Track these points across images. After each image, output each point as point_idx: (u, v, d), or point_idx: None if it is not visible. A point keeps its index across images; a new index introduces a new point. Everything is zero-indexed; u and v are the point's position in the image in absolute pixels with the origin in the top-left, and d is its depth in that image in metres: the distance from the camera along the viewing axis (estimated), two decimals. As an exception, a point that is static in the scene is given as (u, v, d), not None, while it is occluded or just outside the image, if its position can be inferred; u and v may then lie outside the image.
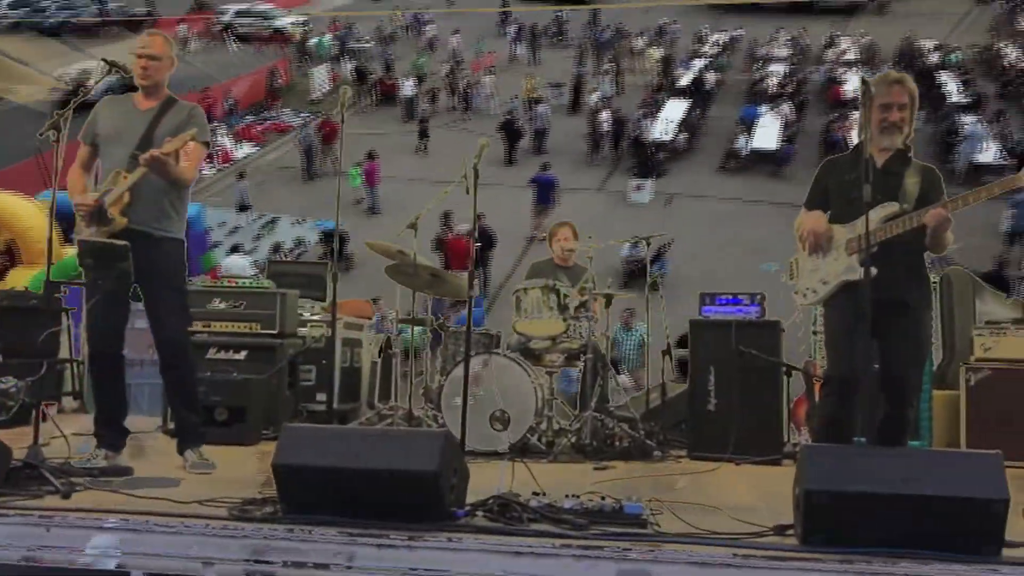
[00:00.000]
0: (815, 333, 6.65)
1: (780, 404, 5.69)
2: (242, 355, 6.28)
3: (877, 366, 3.97)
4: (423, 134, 26.14)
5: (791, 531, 3.33)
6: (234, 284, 6.51)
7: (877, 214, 3.90)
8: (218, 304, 6.36)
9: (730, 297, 6.01)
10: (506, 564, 3.15)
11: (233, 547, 3.29)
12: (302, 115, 29.56)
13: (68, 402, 7.43)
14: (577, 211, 5.95)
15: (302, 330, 6.82)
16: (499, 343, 6.26)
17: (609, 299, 6.28)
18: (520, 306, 5.89)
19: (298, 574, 3.24)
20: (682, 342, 6.76)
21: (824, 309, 4.38)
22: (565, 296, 5.86)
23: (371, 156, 22.19)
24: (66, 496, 3.71)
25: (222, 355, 6.29)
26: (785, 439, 5.80)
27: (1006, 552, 3.08)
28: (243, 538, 3.30)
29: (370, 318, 8.22)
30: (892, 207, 4.00)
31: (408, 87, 29.81)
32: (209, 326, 6.38)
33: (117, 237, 4.42)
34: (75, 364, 7.58)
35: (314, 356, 6.78)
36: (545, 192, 20.14)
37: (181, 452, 4.73)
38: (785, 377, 5.74)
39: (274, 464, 3.37)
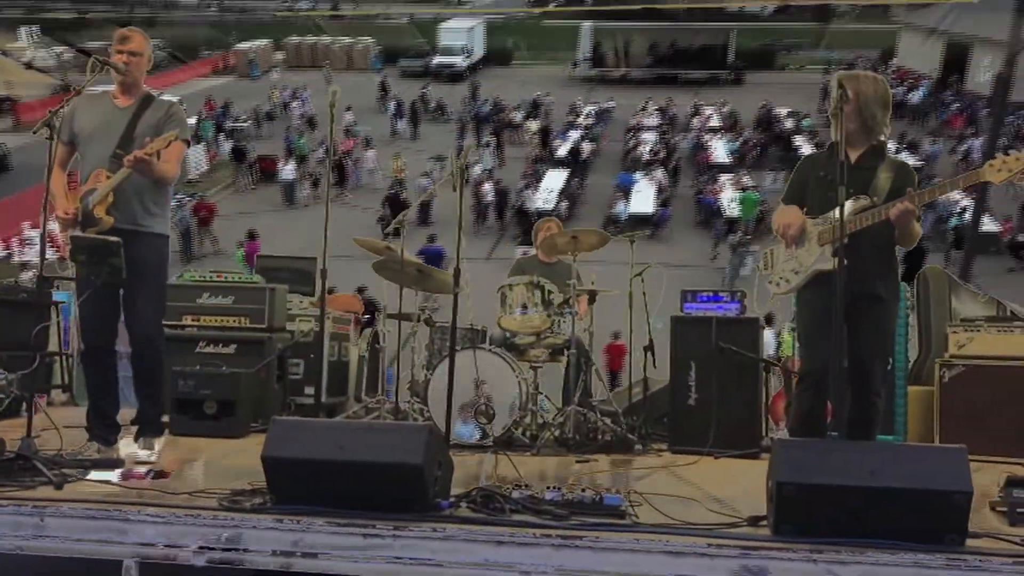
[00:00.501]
0: (793, 330, 6.76)
1: (759, 399, 5.79)
2: (231, 349, 6.36)
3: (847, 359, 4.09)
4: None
5: (764, 522, 3.45)
6: (223, 279, 6.58)
7: (849, 207, 4.03)
8: (208, 299, 6.44)
9: (711, 295, 6.13)
10: (488, 553, 3.26)
11: (224, 536, 3.40)
12: (178, 197, 29.40)
13: (57, 395, 7.50)
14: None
15: (290, 325, 6.91)
16: (484, 338, 6.36)
17: (593, 296, 6.38)
18: (505, 302, 5.99)
19: (287, 562, 3.35)
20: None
21: (798, 303, 4.50)
22: (549, 292, 5.97)
23: (252, 236, 21.78)
24: (59, 487, 3.80)
25: (211, 349, 6.37)
26: (763, 433, 5.92)
27: (969, 542, 3.22)
28: (233, 527, 3.40)
29: (358, 313, 8.30)
30: (863, 201, 4.14)
31: (288, 171, 29.81)
32: (199, 320, 6.46)
33: (107, 234, 4.49)
34: (64, 357, 7.67)
35: (302, 350, 6.88)
36: (433, 263, 20.34)
37: (136, 439, 4.81)
38: (764, 373, 5.86)
39: (263, 456, 3.47)
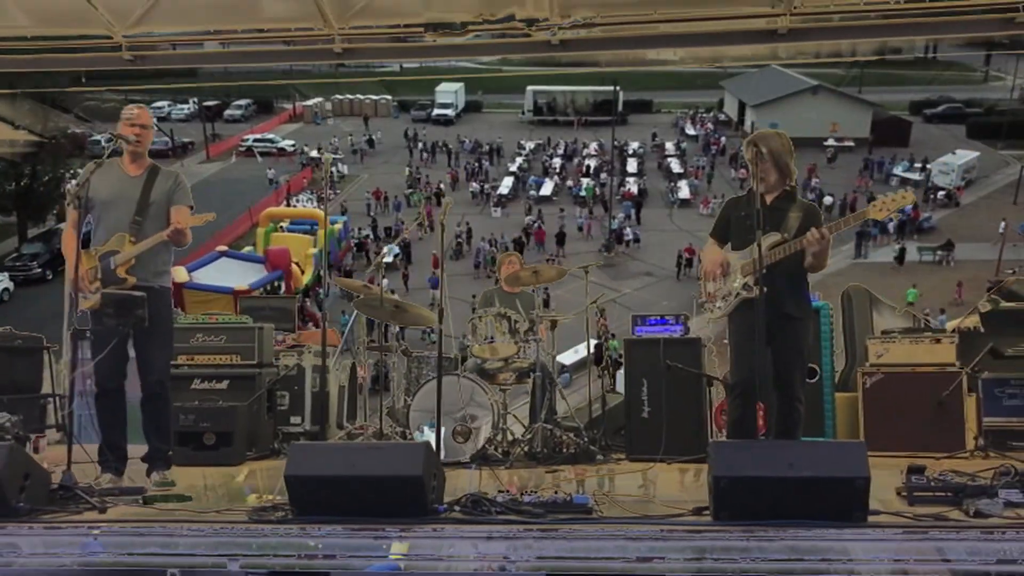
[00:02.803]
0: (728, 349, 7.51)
1: (704, 410, 6.50)
2: (224, 384, 6.93)
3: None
4: None
5: (706, 511, 4.15)
6: (215, 321, 7.15)
7: (765, 242, 4.79)
8: (201, 339, 6.99)
9: (658, 318, 6.87)
10: (480, 547, 3.90)
11: (254, 545, 4.00)
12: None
13: (51, 434, 7.96)
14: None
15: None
16: (458, 365, 7.01)
17: (554, 323, 7.07)
18: (476, 331, 6.65)
19: (309, 564, 3.96)
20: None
21: (728, 326, 5.24)
22: (515, 321, 6.64)
23: None
24: (103, 511, 4.36)
25: (205, 385, 6.93)
26: (709, 440, 6.63)
27: (871, 519, 3.95)
28: (262, 537, 4.00)
29: (336, 345, 8.89)
30: (775, 236, 4.90)
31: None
32: (193, 359, 7.01)
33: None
34: (57, 399, 8.15)
35: (287, 383, 7.46)
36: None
37: (148, 474, 5.38)
38: (707, 387, 6.58)
39: (286, 475, 4.08)
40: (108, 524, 4.10)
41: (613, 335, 11.94)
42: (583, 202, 44.28)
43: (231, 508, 4.40)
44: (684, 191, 46.05)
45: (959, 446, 6.22)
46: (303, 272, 28.55)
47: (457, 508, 4.19)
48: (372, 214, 42.52)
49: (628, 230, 40.36)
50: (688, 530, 3.90)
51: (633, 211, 43.02)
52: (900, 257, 36.38)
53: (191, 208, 5.31)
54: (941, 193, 44.21)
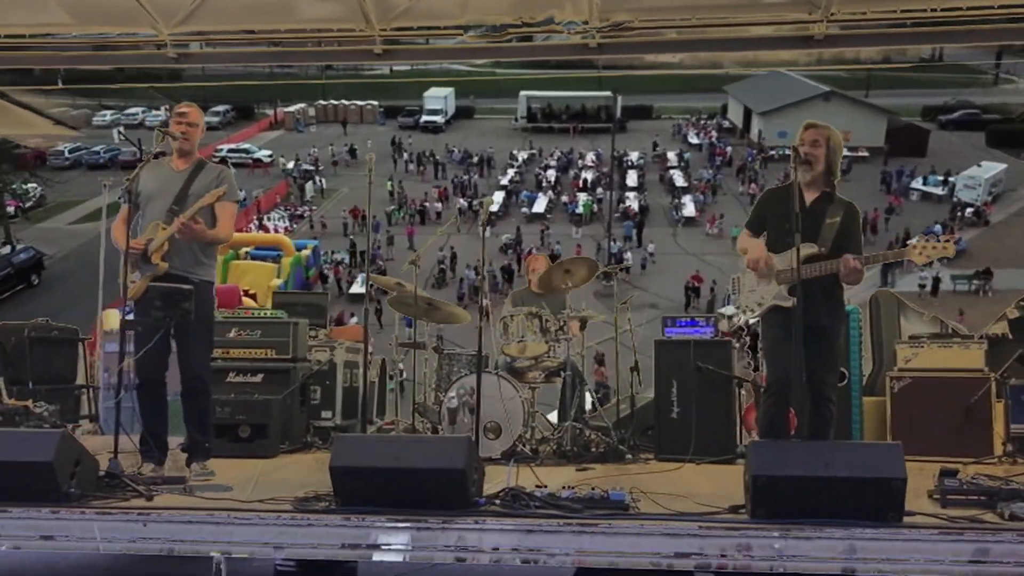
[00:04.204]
0: (762, 350, 7.55)
1: (733, 411, 6.55)
2: (258, 378, 7.03)
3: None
4: None
5: (743, 509, 4.22)
6: (250, 315, 7.25)
7: (800, 253, 4.78)
8: (237, 333, 7.10)
9: (688, 320, 6.94)
10: (520, 539, 4.00)
11: (299, 534, 4.10)
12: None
13: (85, 424, 8.11)
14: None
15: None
16: (488, 363, 7.08)
17: (584, 322, 7.14)
18: (507, 330, 6.73)
19: (353, 554, 4.06)
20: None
21: (762, 327, 5.28)
22: (546, 320, 6.72)
23: None
24: (149, 499, 4.47)
25: (240, 379, 7.03)
26: (738, 442, 6.69)
27: (906, 519, 4.01)
28: (308, 527, 4.10)
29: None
30: (811, 248, 4.89)
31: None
32: (228, 352, 7.11)
33: (161, 280, 5.19)
34: (90, 390, 8.31)
35: (319, 377, 7.55)
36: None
37: (188, 464, 5.47)
38: (737, 388, 6.64)
39: (331, 466, 4.18)
40: (157, 511, 4.21)
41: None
42: (579, 220, 41.32)
43: (276, 499, 4.49)
44: (689, 208, 42.66)
45: (987, 452, 6.24)
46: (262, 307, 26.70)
47: (497, 502, 4.27)
48: (350, 235, 39.11)
49: (628, 255, 36.52)
50: (726, 527, 3.97)
51: (634, 232, 39.31)
52: (934, 287, 32.85)
53: (236, 202, 5.42)
54: (969, 210, 40.71)
